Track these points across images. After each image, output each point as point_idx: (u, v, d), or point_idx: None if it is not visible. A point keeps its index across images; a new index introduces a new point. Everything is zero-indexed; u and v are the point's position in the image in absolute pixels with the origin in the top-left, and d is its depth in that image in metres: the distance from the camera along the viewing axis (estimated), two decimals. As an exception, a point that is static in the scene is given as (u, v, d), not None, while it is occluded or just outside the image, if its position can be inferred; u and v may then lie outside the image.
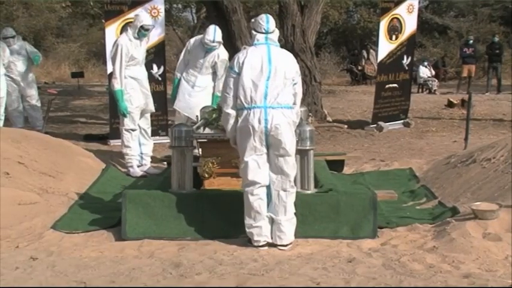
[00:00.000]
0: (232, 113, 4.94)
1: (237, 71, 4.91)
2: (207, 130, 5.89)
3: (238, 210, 5.02)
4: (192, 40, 8.07)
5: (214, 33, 7.53)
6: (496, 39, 19.39)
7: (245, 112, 4.86)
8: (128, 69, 7.36)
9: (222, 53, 7.70)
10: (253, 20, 5.11)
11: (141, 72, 7.60)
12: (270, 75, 4.85)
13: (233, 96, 4.92)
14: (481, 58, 20.72)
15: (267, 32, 4.99)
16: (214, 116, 6.06)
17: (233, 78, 4.92)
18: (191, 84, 7.78)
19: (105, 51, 9.90)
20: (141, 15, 7.61)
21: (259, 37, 4.99)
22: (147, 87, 7.68)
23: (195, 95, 7.67)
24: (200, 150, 5.96)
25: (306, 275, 4.22)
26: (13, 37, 10.38)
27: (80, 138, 10.61)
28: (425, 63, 20.61)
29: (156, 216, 5.26)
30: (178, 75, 7.91)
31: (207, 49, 7.60)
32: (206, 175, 5.64)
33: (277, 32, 5.08)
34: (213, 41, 7.52)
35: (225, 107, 5.00)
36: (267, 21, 5.00)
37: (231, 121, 4.96)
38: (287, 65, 4.94)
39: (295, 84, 4.96)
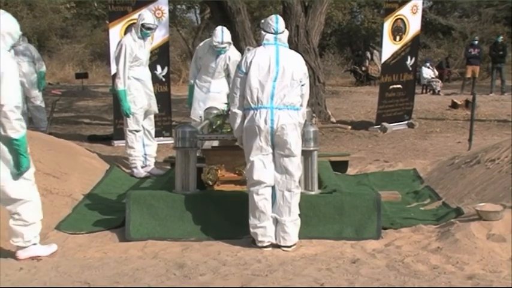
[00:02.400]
0: (239, 112, 4.94)
1: (244, 70, 4.91)
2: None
3: (241, 211, 5.02)
4: (201, 45, 8.03)
5: (222, 34, 7.48)
6: (500, 39, 19.34)
7: (252, 112, 4.86)
8: (131, 69, 7.36)
9: (233, 55, 7.60)
10: (263, 21, 5.11)
11: (145, 73, 7.60)
12: (277, 76, 4.85)
13: (240, 96, 4.93)
14: (485, 59, 20.66)
15: (276, 33, 4.98)
16: (218, 122, 6.06)
17: (240, 78, 4.93)
18: (205, 90, 7.74)
19: (109, 52, 9.92)
20: (144, 14, 7.59)
21: (269, 37, 4.98)
22: (150, 88, 7.68)
23: (209, 102, 7.54)
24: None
25: (310, 276, 4.22)
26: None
27: (84, 139, 10.63)
28: (428, 64, 20.59)
29: (160, 217, 5.27)
30: (192, 81, 7.90)
31: (217, 52, 7.55)
32: (210, 182, 5.64)
33: (286, 33, 5.07)
34: (222, 42, 7.47)
35: (232, 107, 5.01)
36: (277, 21, 4.99)
37: (238, 120, 4.96)
38: (295, 66, 4.93)
39: (302, 85, 4.96)
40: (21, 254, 4.70)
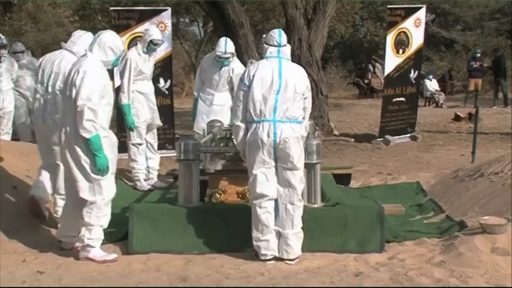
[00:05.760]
0: (242, 125, 4.95)
1: (247, 83, 4.92)
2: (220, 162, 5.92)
3: (245, 224, 5.01)
4: (206, 57, 8.04)
5: (225, 45, 7.49)
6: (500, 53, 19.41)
7: (254, 125, 4.87)
8: (135, 83, 7.37)
9: (236, 67, 7.59)
10: (264, 35, 5.14)
11: (148, 87, 7.61)
12: (280, 89, 4.86)
13: (243, 109, 4.93)
14: (488, 72, 20.67)
15: (279, 45, 5.00)
16: (221, 144, 6.07)
17: (243, 90, 4.94)
18: (208, 103, 7.74)
19: (112, 65, 9.93)
20: (151, 29, 7.62)
21: (272, 50, 5.00)
22: (153, 102, 7.68)
23: (213, 115, 7.50)
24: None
25: (313, 290, 4.20)
26: (22, 52, 10.45)
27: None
28: (430, 77, 20.59)
29: (163, 230, 5.25)
30: (196, 94, 7.92)
31: (221, 63, 7.57)
32: None
33: (289, 47, 5.10)
34: (225, 53, 7.47)
35: (235, 120, 5.02)
36: (280, 35, 5.02)
37: (241, 133, 4.97)
38: (297, 79, 4.94)
39: (305, 98, 4.96)
40: (80, 253, 4.98)
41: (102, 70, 4.87)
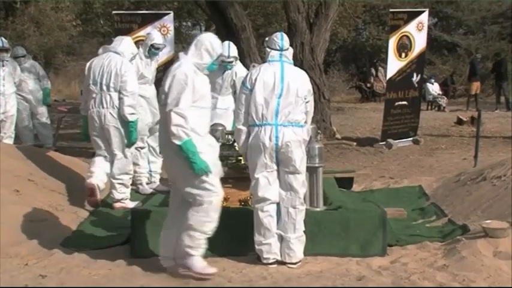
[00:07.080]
0: (244, 129, 4.95)
1: (249, 87, 4.93)
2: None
3: (247, 228, 5.01)
4: None
5: (228, 48, 7.48)
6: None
7: (256, 129, 4.87)
8: (137, 87, 7.38)
9: (239, 71, 7.58)
10: (267, 38, 5.14)
11: (150, 91, 7.62)
12: (282, 92, 4.86)
13: (245, 113, 4.94)
14: (490, 76, 20.70)
15: (281, 49, 5.00)
16: (224, 153, 6.07)
17: (245, 94, 4.94)
18: (211, 107, 7.73)
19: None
20: (153, 33, 7.63)
21: (274, 54, 5.00)
22: (155, 106, 7.66)
23: (216, 119, 7.49)
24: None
25: (315, 293, 4.20)
26: (23, 56, 10.48)
27: (89, 156, 10.61)
28: (432, 80, 20.61)
29: (165, 234, 5.24)
30: None
31: (224, 67, 7.57)
32: None
33: (291, 50, 5.09)
34: (228, 57, 7.46)
35: (237, 123, 5.02)
36: (282, 38, 5.01)
37: (243, 137, 4.97)
38: (300, 83, 4.94)
39: (307, 102, 4.96)
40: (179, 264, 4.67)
41: (193, 74, 4.59)
